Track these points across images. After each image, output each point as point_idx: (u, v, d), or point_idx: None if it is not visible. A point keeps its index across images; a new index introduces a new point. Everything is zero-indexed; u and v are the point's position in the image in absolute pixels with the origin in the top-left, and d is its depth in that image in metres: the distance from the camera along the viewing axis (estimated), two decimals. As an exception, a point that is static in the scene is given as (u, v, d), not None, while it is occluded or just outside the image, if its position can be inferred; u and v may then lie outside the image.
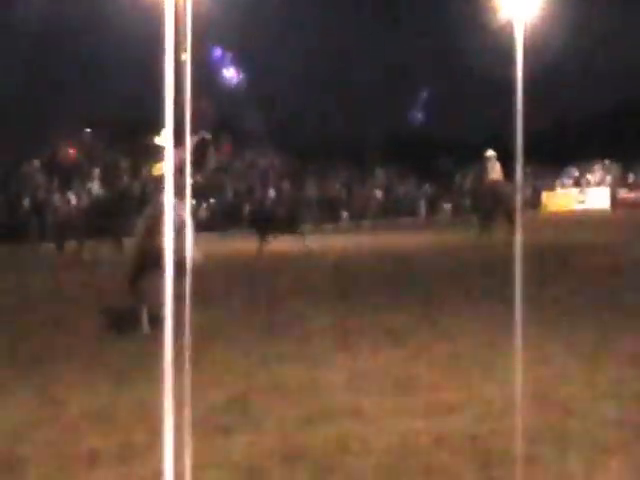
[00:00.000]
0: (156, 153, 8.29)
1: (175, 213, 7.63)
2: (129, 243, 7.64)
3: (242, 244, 18.71)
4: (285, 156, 35.57)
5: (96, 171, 18.37)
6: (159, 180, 8.25)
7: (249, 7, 28.66)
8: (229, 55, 37.94)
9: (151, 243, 6.63)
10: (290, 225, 16.03)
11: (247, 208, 22.70)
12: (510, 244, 13.61)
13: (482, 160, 18.01)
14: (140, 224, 7.36)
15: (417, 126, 44.91)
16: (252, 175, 32.03)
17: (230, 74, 37.86)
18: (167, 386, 2.71)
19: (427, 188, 36.09)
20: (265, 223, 16.40)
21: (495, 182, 17.31)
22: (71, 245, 18.17)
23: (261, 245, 15.83)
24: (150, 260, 6.42)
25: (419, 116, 45.33)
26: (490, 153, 17.64)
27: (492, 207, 16.93)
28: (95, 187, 18.62)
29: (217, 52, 37.49)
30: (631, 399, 4.52)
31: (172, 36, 2.93)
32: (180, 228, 7.53)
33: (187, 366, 3.26)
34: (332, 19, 39.76)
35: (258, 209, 21.04)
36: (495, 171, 17.46)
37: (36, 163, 24.63)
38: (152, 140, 8.59)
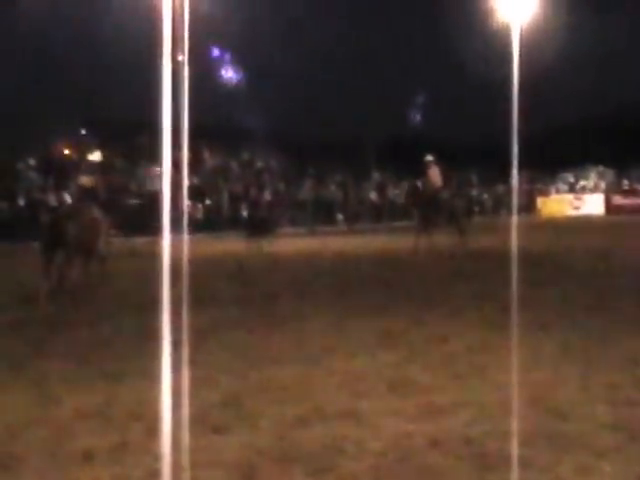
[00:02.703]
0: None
1: (88, 213, 9.21)
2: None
3: (238, 245, 18.69)
4: (281, 157, 35.56)
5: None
6: (84, 189, 10.35)
7: (248, 7, 28.68)
8: (227, 55, 37.86)
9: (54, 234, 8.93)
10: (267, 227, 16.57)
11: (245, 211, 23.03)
12: (460, 252, 13.74)
13: (422, 165, 17.48)
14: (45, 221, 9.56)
15: (415, 128, 44.97)
16: (248, 176, 32.00)
17: (229, 74, 37.78)
18: (165, 386, 2.71)
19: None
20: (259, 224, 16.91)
21: (435, 189, 16.77)
22: None
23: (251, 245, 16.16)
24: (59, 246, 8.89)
25: (417, 118, 45.38)
26: (429, 158, 17.00)
27: (432, 214, 16.38)
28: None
29: (215, 52, 37.39)
30: (625, 403, 4.53)
31: (170, 36, 2.93)
32: (92, 225, 9.60)
33: (184, 366, 3.26)
34: (331, 21, 39.80)
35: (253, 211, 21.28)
36: (434, 177, 16.88)
37: (31, 161, 24.56)
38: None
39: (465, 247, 15.19)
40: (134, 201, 23.56)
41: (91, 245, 9.72)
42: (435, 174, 16.89)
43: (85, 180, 9.17)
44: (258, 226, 16.99)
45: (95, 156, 10.78)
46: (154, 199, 18.57)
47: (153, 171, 24.47)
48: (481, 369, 5.40)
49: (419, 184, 17.04)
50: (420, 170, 17.28)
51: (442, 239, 15.81)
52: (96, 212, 10.20)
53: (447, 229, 16.36)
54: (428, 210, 16.42)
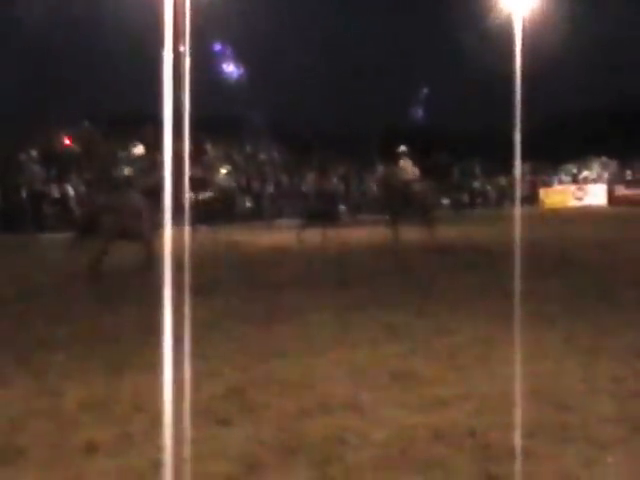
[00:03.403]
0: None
1: (132, 203, 10.72)
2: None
3: (240, 237, 18.70)
4: (284, 150, 35.52)
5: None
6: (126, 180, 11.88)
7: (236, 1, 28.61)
8: (229, 49, 37.78)
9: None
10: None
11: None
12: (433, 245, 13.82)
13: (394, 156, 17.31)
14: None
15: (418, 120, 44.84)
16: (251, 169, 31.97)
17: (230, 69, 37.71)
18: (168, 378, 2.71)
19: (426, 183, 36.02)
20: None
21: (406, 182, 16.48)
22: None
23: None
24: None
25: (419, 112, 45.25)
26: (402, 149, 16.81)
27: (402, 207, 16.24)
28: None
29: (217, 46, 37.32)
30: (629, 395, 4.53)
31: (171, 28, 2.91)
32: (136, 213, 10.85)
33: (187, 358, 3.26)
34: (332, 13, 39.69)
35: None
36: (407, 169, 16.68)
37: (33, 153, 24.54)
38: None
39: (433, 241, 15.04)
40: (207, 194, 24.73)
41: (132, 231, 10.81)
42: (407, 166, 16.67)
43: (128, 171, 10.81)
44: (322, 215, 17.17)
45: (138, 149, 12.52)
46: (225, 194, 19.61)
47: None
48: (485, 361, 5.39)
49: (392, 175, 16.90)
50: (424, 164, 17.20)
51: (412, 232, 15.75)
52: (137, 200, 11.07)
53: (418, 222, 16.14)
54: (398, 202, 16.24)
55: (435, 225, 15.94)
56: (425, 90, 45.02)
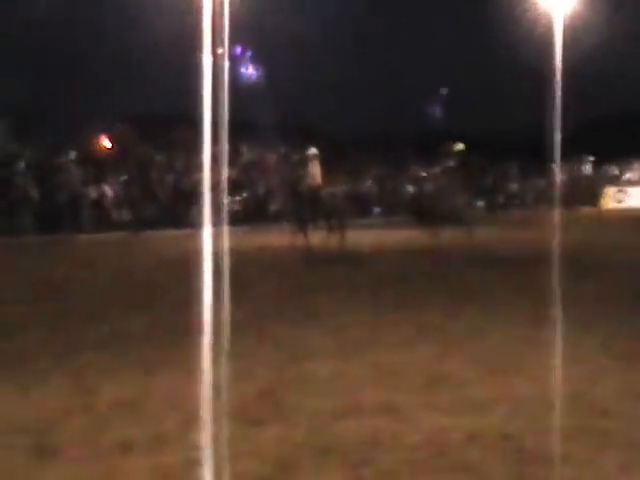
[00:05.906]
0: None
1: (448, 190, 15.99)
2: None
3: (273, 238, 18.72)
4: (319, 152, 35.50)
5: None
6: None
7: (281, 3, 28.74)
8: (249, 53, 37.75)
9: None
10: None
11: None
12: (339, 251, 14.05)
13: (304, 159, 16.61)
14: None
15: (437, 121, 44.38)
16: (285, 170, 32.00)
17: (249, 71, 37.66)
18: (203, 377, 2.72)
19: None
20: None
21: (316, 187, 15.73)
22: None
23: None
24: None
25: (437, 112, 44.75)
26: (312, 151, 16.14)
27: (310, 212, 15.62)
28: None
29: (237, 50, 37.30)
30: (668, 400, 4.43)
31: (210, 31, 2.93)
32: (451, 199, 16.16)
33: (222, 358, 3.28)
34: (364, 16, 39.66)
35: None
36: (315, 173, 15.93)
37: (72, 155, 24.86)
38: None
39: (343, 247, 14.78)
40: None
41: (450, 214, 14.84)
42: (316, 169, 16.00)
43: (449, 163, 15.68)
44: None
45: (459, 146, 15.71)
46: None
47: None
48: (520, 363, 5.32)
49: (301, 179, 16.34)
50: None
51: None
52: (455, 187, 14.37)
53: (326, 228, 15.61)
54: (306, 207, 15.67)
55: (344, 232, 15.37)
56: (446, 92, 44.35)
